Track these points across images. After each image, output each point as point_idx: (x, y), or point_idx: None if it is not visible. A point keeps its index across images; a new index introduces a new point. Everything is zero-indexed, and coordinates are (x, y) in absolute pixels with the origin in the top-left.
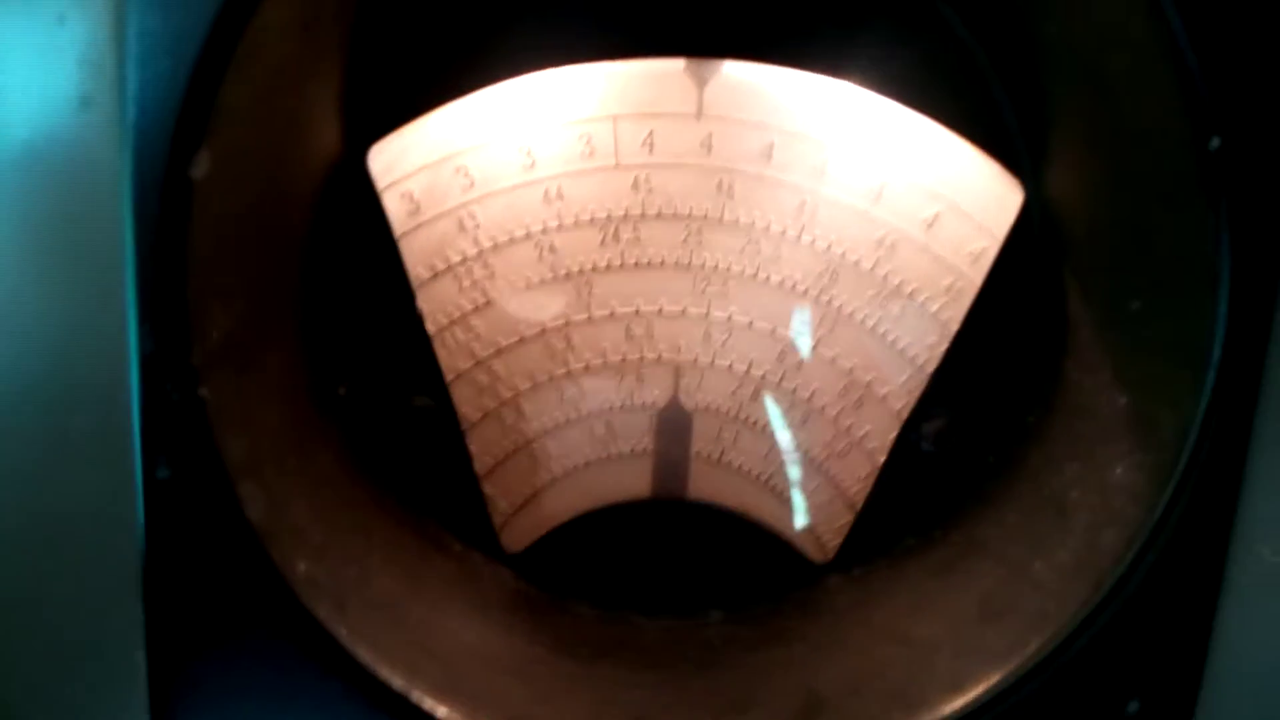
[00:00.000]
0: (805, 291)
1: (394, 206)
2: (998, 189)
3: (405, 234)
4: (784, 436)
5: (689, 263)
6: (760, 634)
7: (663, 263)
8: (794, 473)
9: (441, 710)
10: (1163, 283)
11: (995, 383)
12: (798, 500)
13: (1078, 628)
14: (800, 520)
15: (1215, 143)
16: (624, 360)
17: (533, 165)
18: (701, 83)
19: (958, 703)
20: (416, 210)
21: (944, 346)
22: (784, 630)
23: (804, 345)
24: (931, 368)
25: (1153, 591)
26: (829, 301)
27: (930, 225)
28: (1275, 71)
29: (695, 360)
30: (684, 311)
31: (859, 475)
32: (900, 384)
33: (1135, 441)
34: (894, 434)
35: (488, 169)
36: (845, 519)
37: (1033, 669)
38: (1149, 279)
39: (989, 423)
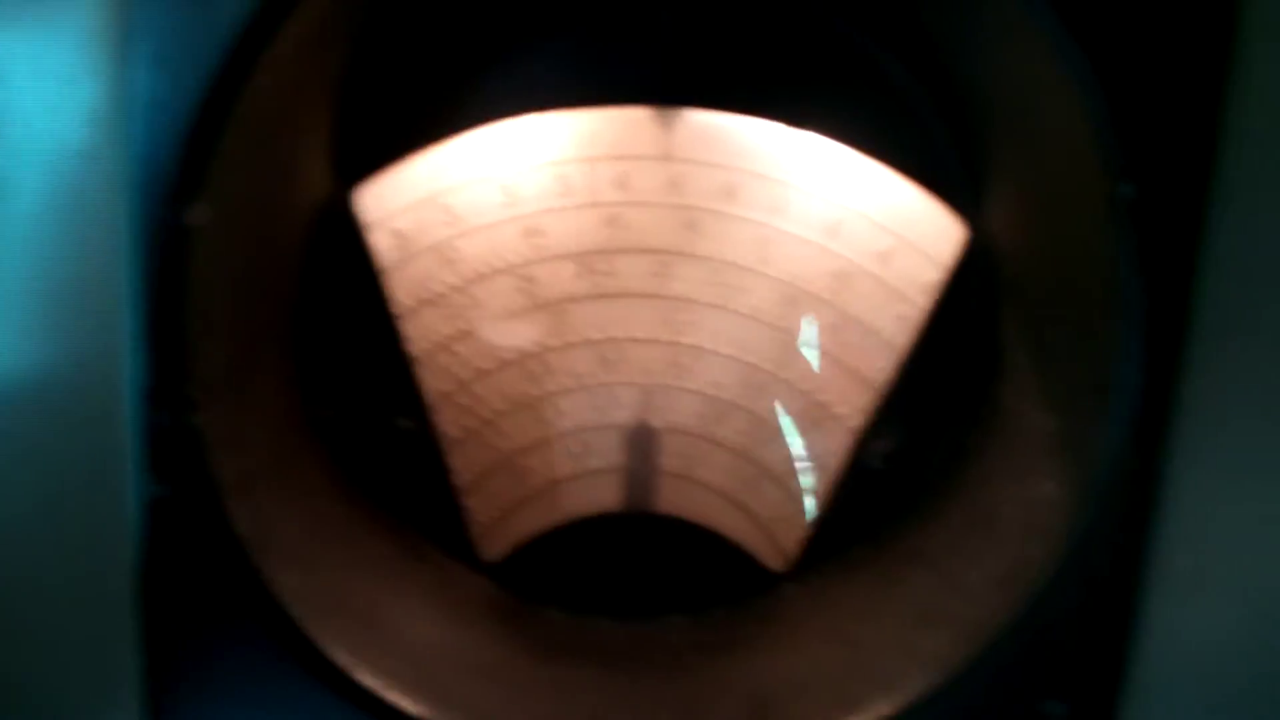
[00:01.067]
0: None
1: (380, 242)
2: (943, 225)
3: (390, 267)
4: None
5: (658, 293)
6: (720, 638)
7: (634, 293)
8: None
9: (414, 708)
10: (1084, 317)
11: (938, 406)
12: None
13: (1005, 634)
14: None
15: (1126, 189)
16: (597, 383)
17: (513, 203)
18: (669, 128)
19: (896, 702)
20: (402, 245)
21: (893, 370)
22: (742, 635)
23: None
24: (882, 390)
25: (1075, 599)
26: (789, 328)
27: (883, 258)
28: (1185, 120)
29: (665, 383)
30: (654, 338)
31: (815, 490)
32: (855, 405)
33: (1062, 461)
34: (847, 452)
35: (470, 206)
36: (802, 531)
37: (965, 673)
38: (1072, 313)
39: (932, 443)
